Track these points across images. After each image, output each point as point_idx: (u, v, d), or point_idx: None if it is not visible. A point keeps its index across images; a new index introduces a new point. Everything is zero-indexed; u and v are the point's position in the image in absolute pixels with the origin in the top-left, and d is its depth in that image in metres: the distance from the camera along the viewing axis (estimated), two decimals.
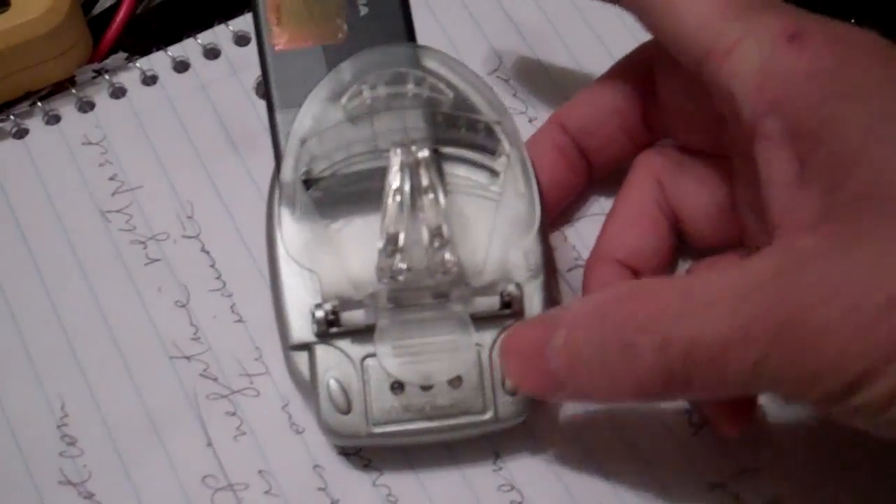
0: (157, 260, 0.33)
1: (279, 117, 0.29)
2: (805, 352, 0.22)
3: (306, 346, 0.29)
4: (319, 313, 0.28)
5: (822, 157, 0.24)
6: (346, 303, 0.28)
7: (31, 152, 0.35)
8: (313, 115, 0.29)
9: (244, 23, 0.37)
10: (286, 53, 0.30)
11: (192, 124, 0.36)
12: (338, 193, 0.29)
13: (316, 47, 0.30)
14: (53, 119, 0.36)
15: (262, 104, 0.36)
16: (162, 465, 0.30)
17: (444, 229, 0.28)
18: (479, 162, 0.29)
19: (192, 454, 0.30)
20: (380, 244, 0.27)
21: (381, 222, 0.28)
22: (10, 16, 0.34)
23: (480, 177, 0.29)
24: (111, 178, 0.35)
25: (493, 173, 0.29)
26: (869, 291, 0.22)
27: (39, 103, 0.36)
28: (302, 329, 0.29)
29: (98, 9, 0.38)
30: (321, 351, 0.28)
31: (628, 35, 0.34)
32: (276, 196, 0.29)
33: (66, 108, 0.36)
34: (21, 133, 0.36)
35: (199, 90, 0.36)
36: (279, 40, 0.30)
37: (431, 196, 0.28)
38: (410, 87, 0.29)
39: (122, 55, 0.37)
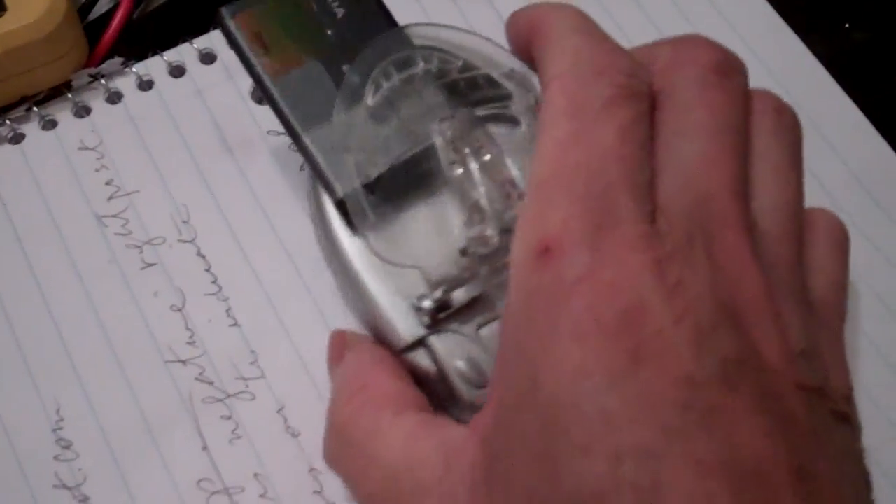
0: (153, 264, 0.33)
1: (308, 139, 0.29)
2: None
3: (419, 342, 0.28)
4: (427, 303, 0.28)
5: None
6: (448, 284, 0.28)
7: (26, 157, 0.35)
8: (343, 125, 0.28)
9: None
10: (285, 77, 0.30)
11: (189, 129, 0.36)
12: (394, 187, 0.29)
13: (310, 61, 0.30)
14: (49, 124, 0.36)
15: (257, 109, 0.36)
16: (157, 468, 0.30)
17: (516, 178, 0.27)
18: (505, 114, 0.29)
19: (187, 458, 0.30)
20: (463, 217, 0.27)
21: (454, 198, 0.28)
22: (5, 20, 0.34)
23: (509, 129, 0.30)
24: (107, 183, 0.35)
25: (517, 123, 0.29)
26: None
27: (35, 108, 0.36)
28: (408, 328, 0.28)
29: (94, 14, 0.38)
30: (437, 340, 0.28)
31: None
32: (326, 212, 0.29)
33: (62, 112, 0.36)
34: (17, 138, 0.36)
35: (195, 95, 0.36)
36: (273, 69, 0.30)
37: (488, 155, 0.28)
38: (421, 66, 0.29)
39: (118, 60, 0.37)
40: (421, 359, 0.28)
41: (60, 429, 0.31)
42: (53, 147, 0.36)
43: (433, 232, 0.28)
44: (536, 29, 0.27)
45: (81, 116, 0.36)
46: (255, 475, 0.30)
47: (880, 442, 0.23)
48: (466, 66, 0.29)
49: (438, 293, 0.27)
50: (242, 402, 0.31)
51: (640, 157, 0.24)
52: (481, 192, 0.27)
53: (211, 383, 0.31)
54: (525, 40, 0.28)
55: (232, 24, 0.30)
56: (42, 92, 0.36)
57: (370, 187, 0.28)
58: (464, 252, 0.28)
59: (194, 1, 0.39)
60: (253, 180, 0.35)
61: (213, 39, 0.37)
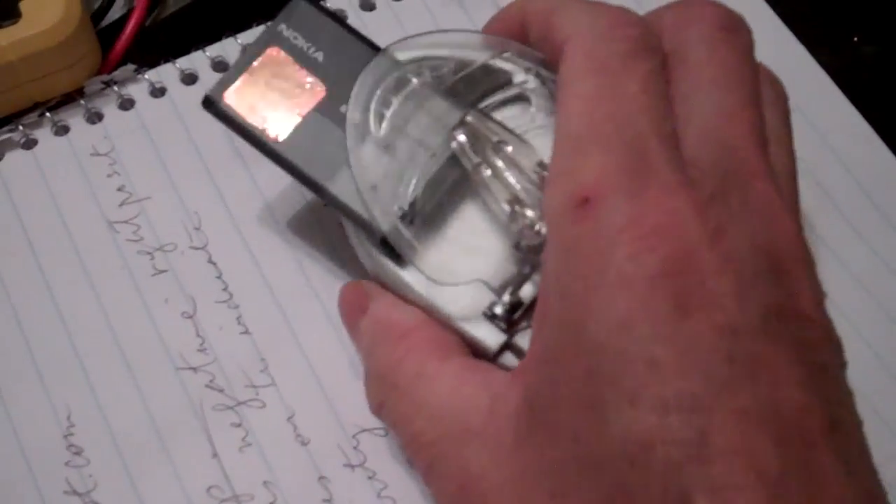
0: (164, 271, 0.34)
1: (333, 190, 0.29)
2: None
3: (506, 347, 0.27)
4: (499, 309, 0.27)
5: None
6: (513, 284, 0.27)
7: (39, 162, 0.36)
8: (361, 164, 0.28)
9: (253, 36, 0.38)
10: (290, 139, 0.29)
11: (200, 136, 0.36)
12: (429, 208, 0.29)
13: (310, 114, 0.30)
14: (62, 130, 0.36)
15: None
16: (167, 475, 0.30)
17: (545, 159, 0.27)
18: (512, 96, 0.29)
19: (197, 465, 0.31)
20: (505, 214, 0.27)
21: (491, 198, 0.28)
22: (20, 27, 0.34)
23: (522, 109, 0.29)
24: (119, 189, 0.35)
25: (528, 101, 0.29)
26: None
27: (48, 114, 0.36)
28: (491, 336, 0.27)
29: (107, 21, 0.38)
30: (521, 339, 0.27)
31: None
32: (372, 252, 0.29)
33: (74, 119, 0.36)
34: (29, 143, 0.36)
35: None
36: (276, 134, 0.30)
37: (510, 147, 0.28)
38: (415, 82, 0.29)
39: (130, 67, 0.37)
40: (511, 361, 0.28)
41: (71, 435, 0.31)
42: (65, 153, 0.36)
43: (481, 239, 0.28)
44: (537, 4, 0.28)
45: (94, 123, 0.36)
46: (265, 483, 0.30)
47: (885, 459, 0.23)
48: (459, 65, 0.29)
49: (506, 297, 0.27)
50: (253, 410, 0.31)
51: (663, 107, 0.24)
52: (515, 185, 0.27)
53: (221, 391, 0.32)
54: (517, 22, 0.29)
55: (224, 106, 0.30)
56: (55, 98, 0.36)
57: (407, 217, 0.28)
58: (517, 246, 0.28)
59: (207, 9, 0.39)
60: (264, 187, 0.35)
61: (226, 47, 0.38)
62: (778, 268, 0.23)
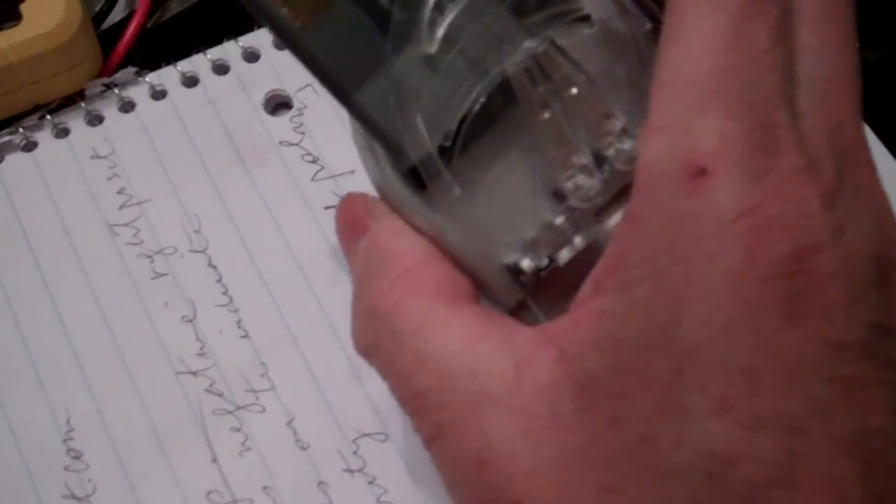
0: (164, 274, 0.34)
1: (360, 99, 0.24)
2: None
3: (522, 307, 0.24)
4: (527, 264, 0.24)
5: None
6: (548, 242, 0.24)
7: (39, 165, 0.35)
8: (399, 75, 0.24)
9: (253, 39, 0.38)
10: (316, 26, 0.24)
11: (201, 139, 0.36)
12: (470, 142, 0.24)
13: (341, 1, 0.24)
14: (62, 132, 0.36)
15: (270, 119, 0.36)
16: (167, 479, 0.30)
17: (613, 109, 0.24)
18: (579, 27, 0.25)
19: (197, 469, 0.30)
20: (556, 164, 0.24)
21: (543, 142, 0.24)
22: (21, 29, 0.34)
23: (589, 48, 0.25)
24: (119, 192, 0.35)
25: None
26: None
27: (48, 116, 0.36)
28: (510, 293, 0.24)
29: (108, 23, 0.38)
30: (541, 301, 0.24)
31: None
32: (390, 178, 0.25)
33: (75, 121, 0.36)
34: (30, 146, 0.36)
35: (207, 105, 0.37)
36: (299, 18, 0.25)
37: (575, 90, 0.24)
38: None
39: (131, 70, 0.37)
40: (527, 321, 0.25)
41: (71, 439, 0.31)
42: (66, 155, 0.36)
43: (522, 188, 0.24)
44: None
45: (94, 125, 0.36)
46: (265, 488, 0.30)
47: None
48: None
49: (540, 255, 0.24)
50: (252, 415, 0.31)
51: (791, 65, 0.21)
52: (577, 135, 0.24)
53: (221, 395, 0.32)
54: None
55: None
56: (55, 100, 0.36)
57: (445, 148, 0.24)
58: (563, 203, 0.24)
59: (208, 12, 0.39)
60: (265, 191, 0.35)
61: (227, 50, 0.37)
62: (884, 278, 0.20)
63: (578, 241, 0.24)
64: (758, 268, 0.19)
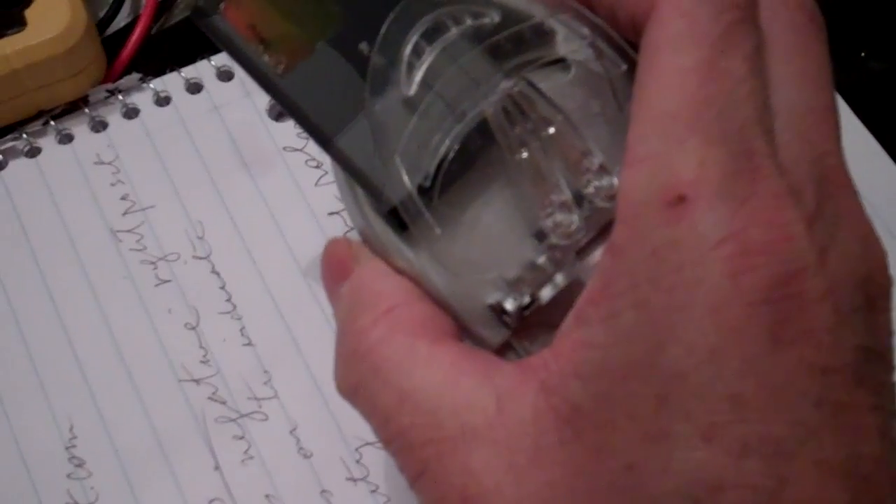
0: (168, 281, 0.34)
1: (341, 143, 0.24)
2: None
3: (507, 347, 0.25)
4: (510, 304, 0.24)
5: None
6: (531, 281, 0.24)
7: (43, 171, 0.35)
8: (378, 119, 0.24)
9: None
10: (296, 74, 0.25)
11: (205, 145, 0.36)
12: (449, 183, 0.24)
13: (321, 46, 0.25)
14: (66, 138, 0.36)
15: (274, 125, 0.36)
16: (169, 487, 0.30)
17: (591, 147, 0.24)
18: (556, 68, 0.25)
19: (199, 477, 0.30)
20: (535, 203, 0.24)
21: (522, 181, 0.24)
22: (26, 35, 0.34)
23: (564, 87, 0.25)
24: (122, 198, 0.35)
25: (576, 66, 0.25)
26: None
27: (52, 122, 0.36)
28: (495, 334, 0.24)
29: (112, 29, 0.38)
30: (527, 341, 0.25)
31: None
32: (372, 222, 0.25)
33: (78, 127, 0.36)
34: (33, 151, 0.36)
35: (212, 111, 0.37)
36: (279, 65, 0.25)
37: (552, 129, 0.24)
38: (453, 31, 0.24)
39: (135, 76, 0.37)
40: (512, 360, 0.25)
41: (73, 447, 0.31)
42: (69, 161, 0.36)
43: (503, 226, 0.25)
44: None
45: (98, 131, 0.36)
46: (267, 496, 0.30)
47: None
48: (505, 17, 0.25)
49: (522, 293, 0.24)
50: (255, 423, 0.31)
51: (766, 94, 0.21)
52: (555, 174, 0.24)
53: (224, 403, 0.31)
54: None
55: (218, 20, 0.25)
56: (59, 106, 0.36)
57: (425, 189, 0.24)
58: (544, 241, 0.24)
59: None
60: (269, 197, 0.35)
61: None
62: (870, 303, 0.21)
63: (560, 278, 0.24)
64: (741, 293, 0.19)
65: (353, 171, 0.25)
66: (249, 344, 0.32)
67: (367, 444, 0.31)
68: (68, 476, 0.30)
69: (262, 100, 0.37)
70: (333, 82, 0.25)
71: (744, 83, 0.21)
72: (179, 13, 0.39)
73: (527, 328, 0.24)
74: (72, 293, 0.33)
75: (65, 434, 0.31)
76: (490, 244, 0.25)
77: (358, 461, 0.31)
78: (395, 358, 0.23)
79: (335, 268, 0.26)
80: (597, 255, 0.24)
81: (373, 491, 0.30)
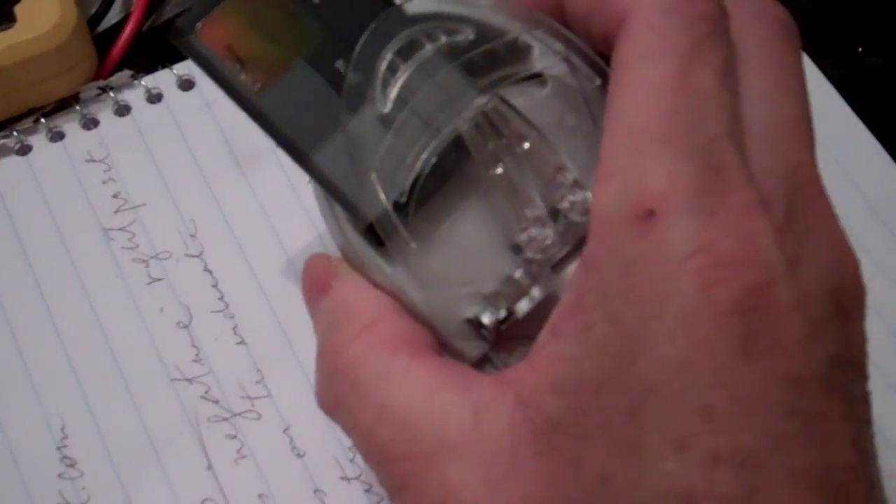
0: (160, 279, 0.33)
1: (317, 160, 0.24)
2: None
3: (485, 360, 0.25)
4: (487, 318, 0.24)
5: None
6: (507, 294, 0.24)
7: (33, 169, 0.35)
8: (354, 135, 0.24)
9: None
10: (272, 90, 0.25)
11: (197, 142, 0.36)
12: (424, 198, 0.25)
13: (297, 64, 0.25)
14: (57, 136, 0.36)
15: None
16: (162, 487, 0.30)
17: (565, 162, 0.24)
18: (531, 83, 0.25)
19: (192, 477, 0.30)
20: (510, 217, 0.24)
21: (497, 196, 0.24)
22: (16, 32, 0.34)
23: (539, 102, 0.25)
24: (114, 196, 0.35)
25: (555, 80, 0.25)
26: None
27: (43, 120, 0.36)
28: (473, 348, 0.25)
29: (103, 25, 0.38)
30: (504, 354, 0.25)
31: None
32: (349, 235, 0.25)
33: (70, 124, 0.36)
34: (24, 149, 0.36)
35: (203, 108, 0.36)
36: (256, 83, 0.25)
37: (527, 144, 0.24)
38: (428, 48, 0.25)
39: (127, 73, 0.36)
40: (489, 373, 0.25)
41: (65, 447, 0.30)
42: (61, 159, 0.35)
43: (478, 241, 0.25)
44: None
45: (89, 129, 0.36)
46: (260, 496, 0.30)
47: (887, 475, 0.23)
48: (480, 33, 0.25)
49: (499, 307, 0.24)
50: (248, 422, 0.31)
51: (736, 107, 0.21)
52: (529, 189, 0.24)
53: (217, 402, 0.31)
54: None
55: (196, 40, 0.25)
56: (50, 104, 0.36)
57: (401, 205, 0.24)
58: (519, 255, 0.24)
59: None
60: (261, 194, 0.35)
61: None
62: (842, 312, 0.21)
63: (536, 292, 0.24)
64: (711, 305, 0.19)
65: (329, 188, 0.25)
66: (242, 342, 0.32)
67: None
68: (60, 476, 0.30)
69: None
70: (309, 99, 0.25)
71: (713, 97, 0.21)
72: (170, 10, 0.39)
73: (505, 341, 0.24)
74: (63, 291, 0.33)
75: (56, 434, 0.31)
76: (466, 259, 0.25)
77: (351, 460, 0.30)
78: (374, 373, 0.23)
79: (315, 283, 0.26)
80: (572, 268, 0.24)
81: (366, 490, 0.30)
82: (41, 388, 0.31)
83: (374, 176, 0.24)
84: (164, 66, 0.37)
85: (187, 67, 0.37)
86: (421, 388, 0.23)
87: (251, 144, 0.36)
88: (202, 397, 0.31)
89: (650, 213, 0.20)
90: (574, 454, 0.21)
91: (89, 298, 0.33)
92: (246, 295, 0.33)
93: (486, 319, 0.24)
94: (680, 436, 0.19)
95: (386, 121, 0.25)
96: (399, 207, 0.24)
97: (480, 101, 0.24)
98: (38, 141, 0.36)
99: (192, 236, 0.34)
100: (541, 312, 0.24)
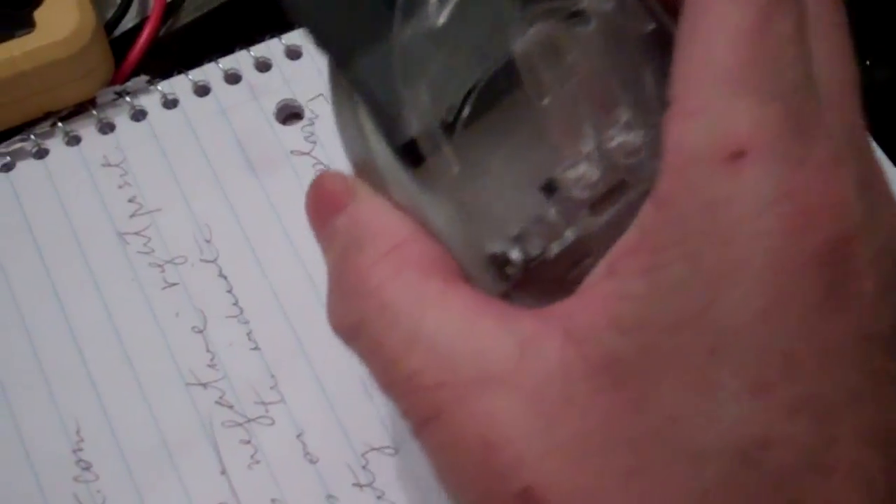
0: (175, 284, 0.34)
1: (359, 64, 0.23)
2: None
3: (504, 298, 0.23)
4: (516, 255, 0.23)
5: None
6: (540, 232, 0.23)
7: (50, 172, 0.35)
8: (403, 47, 0.23)
9: (265, 49, 0.38)
10: None
11: (212, 148, 0.36)
12: (470, 122, 0.23)
13: None
14: (74, 140, 0.36)
15: (281, 129, 0.36)
16: (176, 491, 0.30)
17: (620, 99, 0.23)
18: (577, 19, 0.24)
19: (206, 481, 0.30)
20: (556, 151, 0.23)
21: (544, 127, 0.23)
22: (34, 37, 0.34)
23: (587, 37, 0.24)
24: (130, 200, 0.35)
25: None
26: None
27: (60, 124, 0.36)
28: (494, 285, 0.23)
29: (119, 30, 0.38)
30: (526, 295, 0.23)
31: None
32: (371, 143, 0.23)
33: (86, 129, 0.36)
34: (41, 153, 0.36)
35: (219, 114, 0.37)
36: None
37: (582, 77, 0.23)
38: None
39: (143, 78, 0.37)
40: None
41: (81, 450, 0.31)
42: (77, 163, 0.36)
43: (518, 174, 0.23)
44: None
45: (106, 133, 0.36)
46: (273, 501, 0.30)
47: None
48: None
49: (530, 246, 0.23)
50: (262, 427, 0.31)
51: (809, 60, 0.21)
52: (582, 122, 0.23)
53: (231, 407, 0.32)
54: None
55: None
56: (67, 108, 0.36)
57: (446, 124, 0.23)
58: (554, 191, 0.23)
59: (220, 21, 0.39)
60: (276, 201, 0.35)
61: (239, 60, 0.37)
62: None
63: (570, 234, 0.23)
64: (799, 253, 0.19)
65: (369, 97, 0.23)
66: (256, 348, 0.33)
67: (373, 449, 0.31)
68: (75, 479, 0.30)
69: (270, 103, 0.37)
70: (358, 5, 0.23)
71: (794, 46, 0.21)
72: (187, 16, 0.39)
73: (527, 282, 0.23)
74: (79, 295, 0.33)
75: (72, 437, 0.31)
76: (503, 193, 0.23)
77: (364, 467, 0.31)
78: (405, 297, 0.22)
79: (327, 200, 0.24)
80: (610, 213, 0.23)
81: (378, 497, 0.30)
82: (57, 391, 0.32)
83: (423, 88, 0.23)
84: (179, 72, 0.37)
85: (202, 73, 0.37)
86: (457, 315, 0.21)
87: (266, 150, 0.36)
88: (217, 402, 0.32)
89: (739, 154, 0.20)
90: (640, 392, 0.20)
91: (105, 302, 0.33)
92: (260, 300, 0.33)
93: (515, 256, 0.23)
94: (760, 381, 0.19)
95: (438, 36, 0.23)
96: (444, 127, 0.23)
97: (539, 27, 0.23)
98: (55, 145, 0.36)
99: (207, 241, 0.34)
100: (571, 256, 0.23)
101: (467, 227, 0.23)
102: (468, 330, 0.21)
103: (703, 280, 0.20)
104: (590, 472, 0.20)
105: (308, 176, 0.35)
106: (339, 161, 0.35)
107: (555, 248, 0.23)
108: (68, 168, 0.36)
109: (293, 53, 0.38)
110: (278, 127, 0.37)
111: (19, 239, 0.34)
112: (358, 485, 0.31)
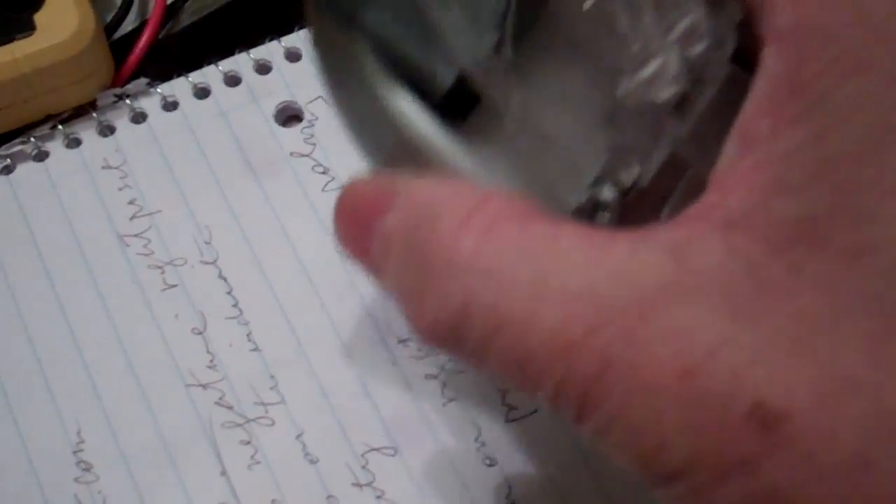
0: (175, 286, 0.34)
1: (374, 15, 0.20)
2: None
3: None
4: (609, 195, 0.20)
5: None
6: (622, 159, 0.20)
7: (50, 175, 0.36)
8: None
9: (265, 51, 0.38)
10: None
11: (212, 150, 0.36)
12: (519, 42, 0.20)
13: None
14: (74, 142, 0.36)
15: (281, 131, 0.36)
16: (176, 492, 0.30)
17: (696, 9, 0.19)
18: None
19: (206, 482, 0.30)
20: (622, 63, 0.19)
21: (600, 41, 0.19)
22: (34, 40, 0.34)
23: None
24: (130, 203, 0.35)
25: None
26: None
27: (60, 126, 0.36)
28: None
29: (119, 33, 0.38)
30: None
31: None
32: (421, 132, 0.20)
33: (86, 131, 0.36)
34: (41, 155, 0.36)
35: (219, 117, 0.37)
36: None
37: None
38: None
39: (143, 81, 0.37)
40: None
41: (81, 451, 0.31)
42: (77, 166, 0.36)
43: (583, 98, 0.20)
44: None
45: (106, 136, 0.36)
46: (273, 501, 0.30)
47: None
48: None
49: (618, 179, 0.20)
50: (262, 428, 0.31)
51: None
52: (646, 44, 0.19)
53: (231, 408, 0.32)
54: None
55: None
56: (67, 110, 0.36)
57: (493, 51, 0.19)
58: (622, 110, 0.20)
59: (220, 23, 0.39)
60: (276, 203, 0.35)
61: (239, 62, 0.38)
62: None
63: (662, 149, 0.20)
64: None
65: (392, 54, 0.20)
66: (256, 349, 0.33)
67: (373, 449, 0.31)
68: (76, 480, 0.30)
69: (270, 105, 0.37)
70: None
71: None
72: (187, 18, 0.39)
73: (626, 221, 0.20)
74: (79, 297, 0.33)
75: (72, 438, 0.31)
76: (568, 127, 0.20)
77: (364, 467, 0.31)
78: (510, 251, 0.18)
79: (367, 206, 0.21)
80: (697, 110, 0.20)
81: (378, 497, 0.30)
82: (57, 392, 0.32)
83: (452, 18, 0.19)
84: (179, 75, 0.37)
85: (202, 76, 0.37)
86: (582, 251, 0.18)
87: (266, 153, 0.36)
88: (216, 403, 0.32)
89: None
90: (854, 246, 0.17)
91: (105, 304, 0.33)
92: (260, 302, 0.33)
93: (606, 196, 0.20)
94: None
95: None
96: (489, 56, 0.20)
97: None
98: (55, 147, 0.36)
99: (207, 243, 0.34)
100: (669, 172, 0.20)
101: (538, 177, 0.20)
102: (603, 260, 0.18)
103: (879, 84, 0.17)
104: (824, 359, 0.17)
105: (308, 178, 0.36)
106: (338, 163, 0.36)
107: (647, 174, 0.20)
108: (68, 170, 0.36)
109: (293, 56, 0.38)
110: (278, 129, 0.37)
111: (19, 241, 0.34)
112: (357, 485, 0.31)
